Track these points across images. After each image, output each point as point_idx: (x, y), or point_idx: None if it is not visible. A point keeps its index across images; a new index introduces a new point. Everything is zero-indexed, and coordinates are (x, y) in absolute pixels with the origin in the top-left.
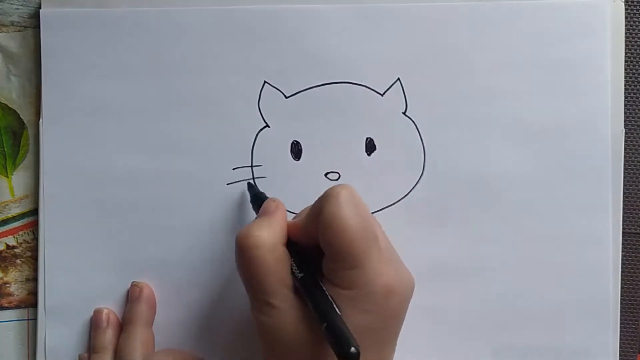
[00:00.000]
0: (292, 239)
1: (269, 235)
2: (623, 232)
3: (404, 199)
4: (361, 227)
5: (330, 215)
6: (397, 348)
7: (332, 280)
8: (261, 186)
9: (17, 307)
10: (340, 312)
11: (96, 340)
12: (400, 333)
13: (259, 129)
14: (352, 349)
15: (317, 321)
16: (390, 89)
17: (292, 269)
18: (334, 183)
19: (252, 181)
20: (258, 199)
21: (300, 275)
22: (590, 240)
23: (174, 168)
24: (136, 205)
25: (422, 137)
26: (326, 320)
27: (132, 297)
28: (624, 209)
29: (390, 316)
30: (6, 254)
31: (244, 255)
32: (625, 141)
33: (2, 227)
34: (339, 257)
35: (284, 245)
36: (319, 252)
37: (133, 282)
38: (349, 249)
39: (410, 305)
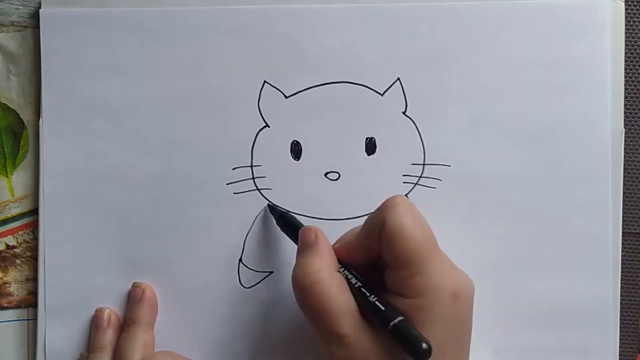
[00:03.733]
0: (343, 262)
1: (323, 267)
2: (623, 232)
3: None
4: (424, 233)
5: (394, 225)
6: None
7: (399, 291)
8: (261, 186)
9: (17, 307)
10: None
11: (96, 339)
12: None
13: (258, 129)
14: (424, 344)
15: (384, 330)
16: (390, 89)
17: (350, 287)
18: (334, 183)
19: (270, 203)
20: (287, 222)
21: (358, 284)
22: (590, 240)
23: (174, 168)
24: (136, 205)
25: (422, 137)
26: (391, 321)
27: (134, 298)
28: (624, 209)
29: (460, 320)
30: (6, 254)
31: (307, 294)
32: (625, 141)
33: (2, 227)
34: (405, 265)
35: (337, 271)
36: (373, 270)
37: (135, 282)
38: (415, 256)
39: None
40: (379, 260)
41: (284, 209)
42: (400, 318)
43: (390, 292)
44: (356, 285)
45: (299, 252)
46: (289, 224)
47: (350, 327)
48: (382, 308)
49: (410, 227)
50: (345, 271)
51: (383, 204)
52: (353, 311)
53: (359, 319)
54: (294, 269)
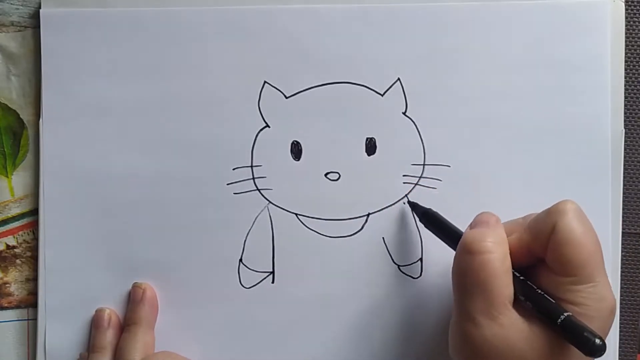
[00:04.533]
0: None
1: (499, 244)
2: (623, 232)
3: (404, 199)
4: (595, 242)
5: (566, 230)
6: (395, 345)
7: (559, 295)
8: (261, 186)
9: (17, 307)
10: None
11: (96, 339)
12: (400, 332)
13: (259, 129)
14: (597, 340)
15: (547, 322)
16: (390, 89)
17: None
18: (334, 183)
19: (409, 201)
20: (433, 217)
21: (522, 278)
22: None
23: (174, 168)
24: (136, 205)
25: (422, 137)
26: (560, 315)
27: (134, 298)
28: (623, 209)
29: (605, 336)
30: (6, 254)
31: (475, 258)
32: (625, 141)
33: (2, 227)
34: (575, 272)
35: None
36: (530, 271)
37: (135, 283)
38: (586, 264)
39: (408, 304)
40: (538, 263)
41: (425, 207)
42: (568, 313)
43: (550, 295)
44: (520, 278)
45: (473, 226)
46: (436, 221)
47: (507, 309)
48: (552, 301)
49: (582, 234)
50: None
51: (553, 207)
52: (511, 297)
53: (512, 311)
54: (466, 233)
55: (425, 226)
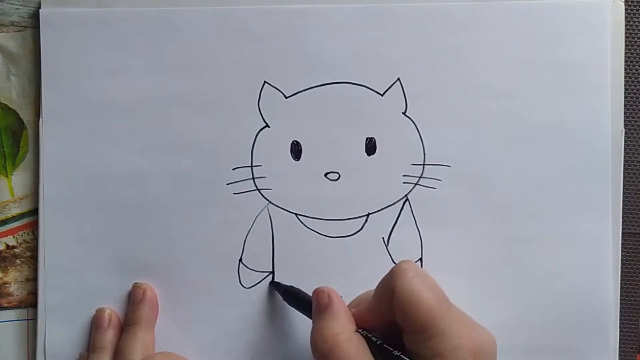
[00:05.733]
0: (362, 326)
1: (341, 329)
2: (623, 232)
3: (404, 199)
4: (435, 297)
5: (405, 292)
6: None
7: (418, 352)
8: (261, 186)
9: (16, 307)
10: None
11: (96, 339)
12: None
13: (258, 129)
14: None
15: None
16: (390, 89)
17: (370, 349)
18: (334, 183)
19: (273, 280)
20: (294, 295)
21: (379, 342)
22: (590, 240)
23: (174, 168)
24: (136, 205)
25: (422, 137)
26: None
27: (135, 298)
28: (623, 209)
29: None
30: (6, 254)
31: (332, 357)
32: (625, 141)
33: (2, 227)
34: (422, 329)
35: (355, 332)
36: (391, 331)
37: (135, 283)
38: (430, 320)
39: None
40: (394, 324)
41: (286, 285)
42: None
43: (411, 352)
44: (377, 343)
45: (314, 315)
46: (296, 298)
47: None
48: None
49: (421, 292)
50: (364, 331)
51: (391, 271)
52: None
53: None
54: (311, 334)
55: (289, 304)
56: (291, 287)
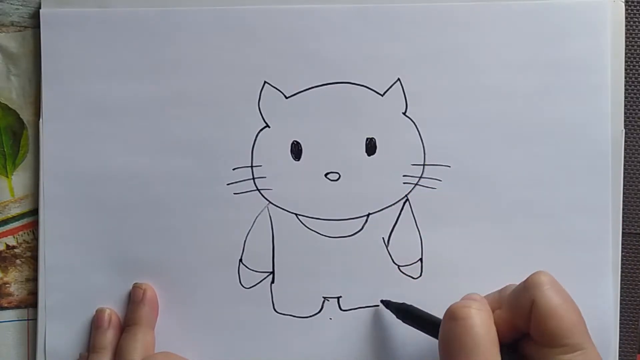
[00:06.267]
0: None
1: (484, 312)
2: (623, 232)
3: (404, 199)
4: (575, 309)
5: (546, 304)
6: (400, 347)
7: None
8: (261, 186)
9: (17, 307)
10: None
11: (96, 339)
12: (401, 332)
13: (259, 129)
14: None
15: None
16: (390, 89)
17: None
18: (334, 183)
19: (383, 300)
20: (410, 313)
21: (511, 351)
22: (590, 241)
23: (174, 168)
24: (136, 205)
25: (422, 137)
26: None
27: (135, 298)
28: (623, 209)
29: None
30: (6, 254)
31: (458, 323)
32: (625, 141)
33: (2, 227)
34: (563, 343)
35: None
36: (519, 345)
37: (135, 283)
38: (572, 334)
39: (410, 303)
40: (520, 336)
41: (398, 302)
42: None
43: None
44: (510, 351)
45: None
46: (412, 314)
47: None
48: None
49: (562, 305)
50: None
51: (529, 281)
52: None
53: None
54: (452, 305)
55: (403, 321)
56: (403, 304)
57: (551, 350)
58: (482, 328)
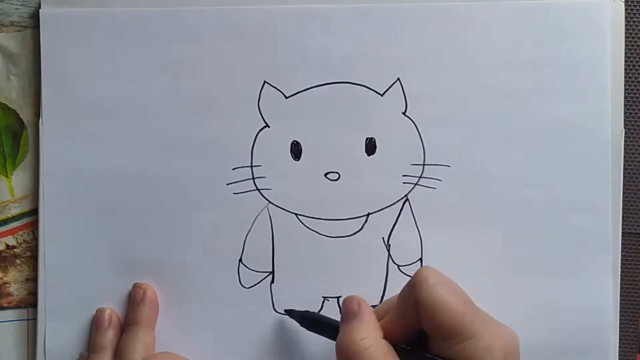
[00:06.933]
0: (389, 336)
1: (369, 334)
2: (623, 232)
3: (404, 199)
4: (461, 299)
5: (429, 298)
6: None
7: (451, 357)
8: (261, 186)
9: (16, 307)
10: None
11: (96, 339)
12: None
13: (258, 129)
14: None
15: None
16: (390, 89)
17: (398, 353)
18: (334, 183)
19: (288, 309)
20: (311, 319)
21: (408, 348)
22: (590, 241)
23: (174, 168)
24: (136, 205)
25: (422, 137)
26: None
27: (135, 298)
28: (623, 209)
29: None
30: (6, 254)
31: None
32: (625, 141)
33: (2, 227)
34: (451, 334)
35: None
36: (417, 340)
37: (136, 283)
38: (458, 324)
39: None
40: (420, 332)
41: (301, 311)
42: None
43: (439, 357)
44: (407, 348)
45: (342, 322)
46: (314, 320)
47: None
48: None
49: (446, 297)
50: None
51: (412, 279)
52: None
53: None
54: (338, 338)
55: (308, 329)
56: (306, 311)
57: (446, 342)
58: (379, 355)
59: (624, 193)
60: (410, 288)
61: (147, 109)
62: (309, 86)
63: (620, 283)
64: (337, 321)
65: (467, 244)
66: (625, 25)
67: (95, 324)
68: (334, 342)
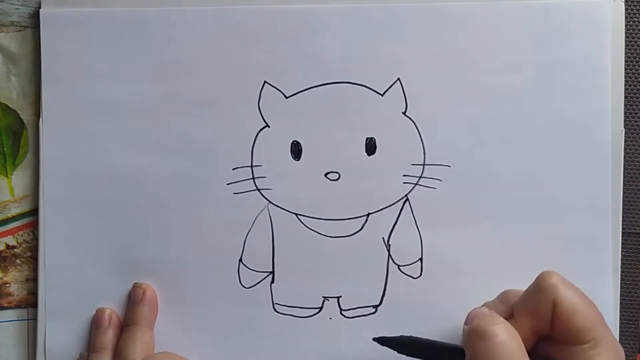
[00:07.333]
0: None
1: (511, 327)
2: (623, 232)
3: (404, 199)
4: (593, 304)
5: (568, 302)
6: None
7: None
8: (261, 186)
9: (16, 307)
10: None
11: (96, 339)
12: (399, 332)
13: (259, 129)
14: None
15: None
16: (390, 89)
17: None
18: (334, 183)
19: (378, 337)
20: (409, 342)
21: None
22: (590, 240)
23: (174, 168)
24: (136, 205)
25: (422, 137)
26: None
27: (134, 298)
28: (623, 209)
29: None
30: (6, 254)
31: (489, 343)
32: (625, 141)
33: (2, 227)
34: (589, 338)
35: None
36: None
37: (135, 283)
38: (596, 326)
39: (410, 303)
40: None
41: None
42: None
43: None
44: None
45: (472, 321)
46: (413, 343)
47: None
48: None
49: (582, 301)
50: None
51: (542, 283)
52: None
53: None
54: (475, 318)
55: (408, 355)
56: (401, 336)
57: (578, 348)
58: (513, 343)
59: (624, 193)
60: (543, 292)
61: (147, 109)
62: (309, 86)
63: (620, 283)
64: (442, 342)
65: (467, 243)
66: (625, 25)
67: (95, 324)
68: (334, 343)
